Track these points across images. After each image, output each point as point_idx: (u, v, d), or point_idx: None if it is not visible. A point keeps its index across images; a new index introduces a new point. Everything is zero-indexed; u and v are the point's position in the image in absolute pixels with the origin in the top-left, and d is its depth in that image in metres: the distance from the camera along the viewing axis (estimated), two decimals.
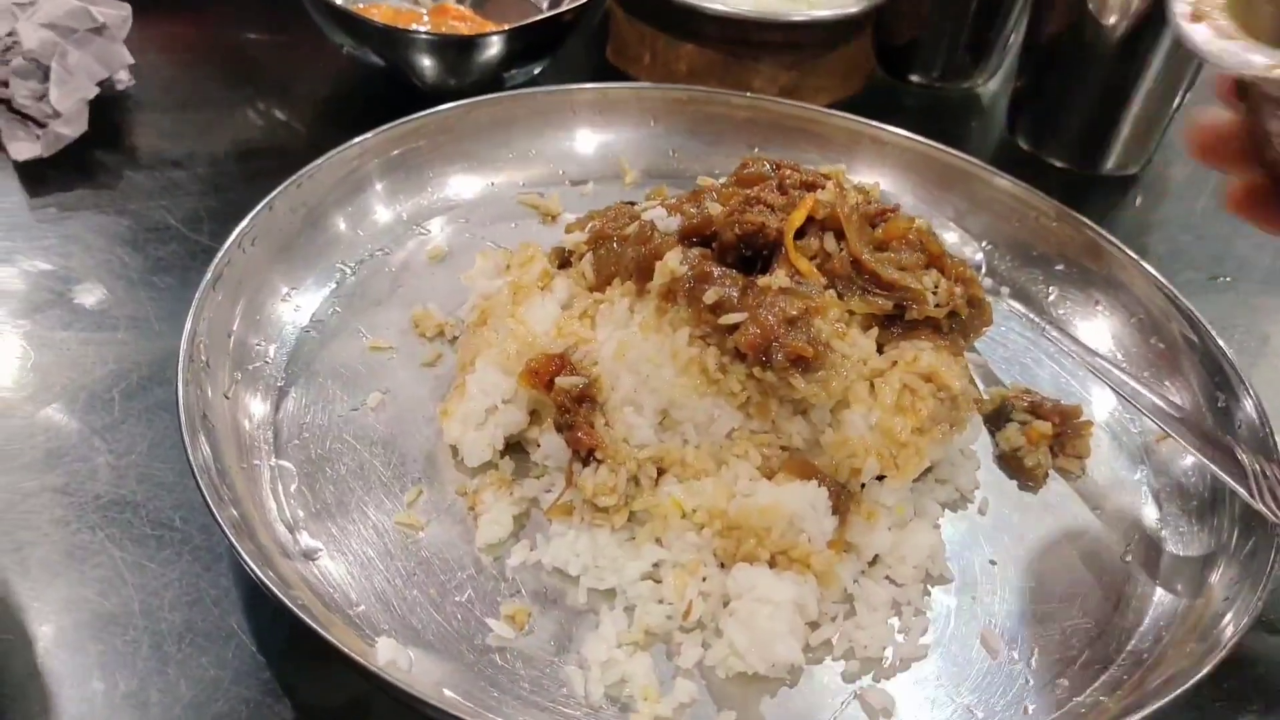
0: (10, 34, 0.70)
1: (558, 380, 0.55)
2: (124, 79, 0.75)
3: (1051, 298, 0.71)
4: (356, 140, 0.67)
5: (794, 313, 0.53)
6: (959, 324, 0.58)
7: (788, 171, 0.63)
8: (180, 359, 0.52)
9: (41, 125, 0.70)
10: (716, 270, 0.56)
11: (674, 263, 0.56)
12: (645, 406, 0.55)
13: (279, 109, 0.81)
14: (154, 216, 0.69)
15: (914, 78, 0.97)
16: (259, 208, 0.60)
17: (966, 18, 0.92)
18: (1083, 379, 0.66)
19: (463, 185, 0.72)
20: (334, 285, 0.64)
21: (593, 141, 0.77)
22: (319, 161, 0.65)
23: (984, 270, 0.70)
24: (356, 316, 0.63)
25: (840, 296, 0.55)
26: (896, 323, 0.57)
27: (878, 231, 0.58)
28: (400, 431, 0.57)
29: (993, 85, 0.99)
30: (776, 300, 0.54)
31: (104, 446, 0.55)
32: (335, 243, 0.65)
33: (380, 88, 0.81)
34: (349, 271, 0.65)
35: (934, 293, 0.56)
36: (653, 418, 0.55)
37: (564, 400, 0.55)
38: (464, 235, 0.70)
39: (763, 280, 0.55)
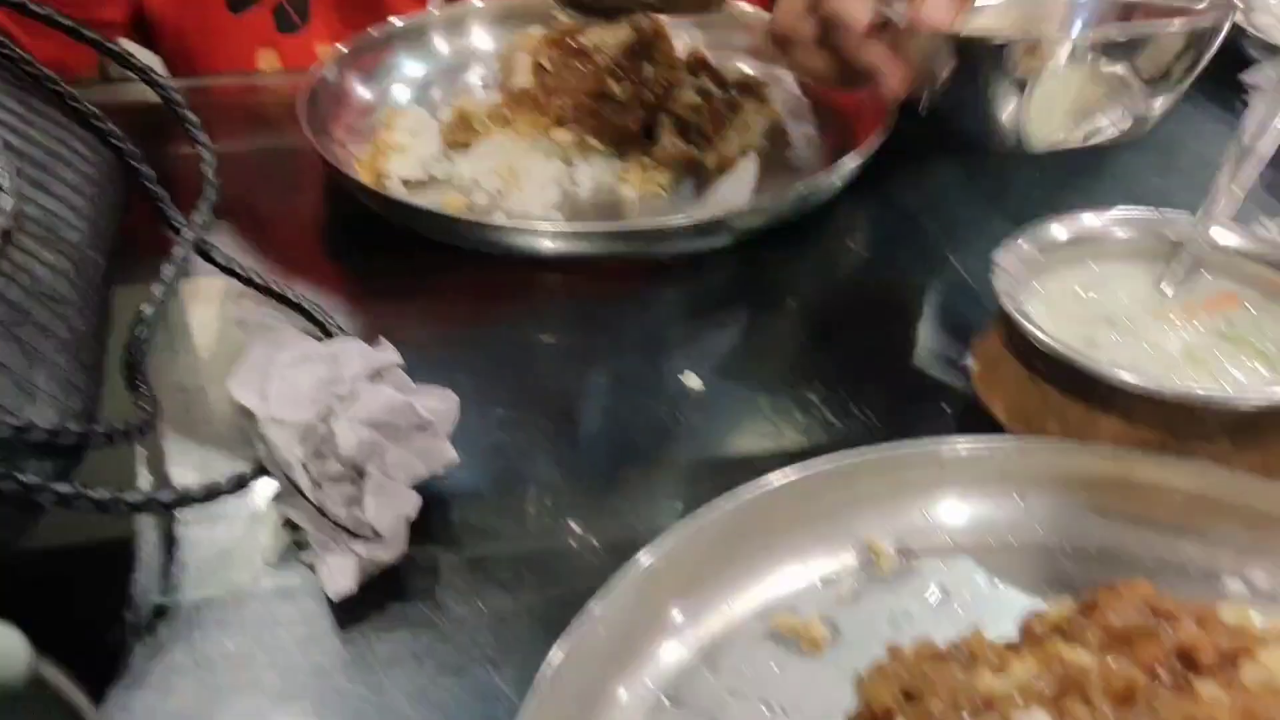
0: (317, 425, 0.62)
1: None
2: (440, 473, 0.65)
3: None
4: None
5: None
6: None
7: (1192, 632, 0.46)
8: None
9: (354, 535, 0.62)
10: None
11: None
12: None
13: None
14: (478, 676, 0.56)
15: None
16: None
17: None
18: None
19: (696, 625, 0.56)
20: None
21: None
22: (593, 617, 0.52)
23: None
24: None
25: None
26: None
27: None
28: None
29: None
30: None
31: None
32: None
33: None
34: None
35: None
36: None
37: None
38: (722, 700, 0.53)
39: None
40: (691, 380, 0.75)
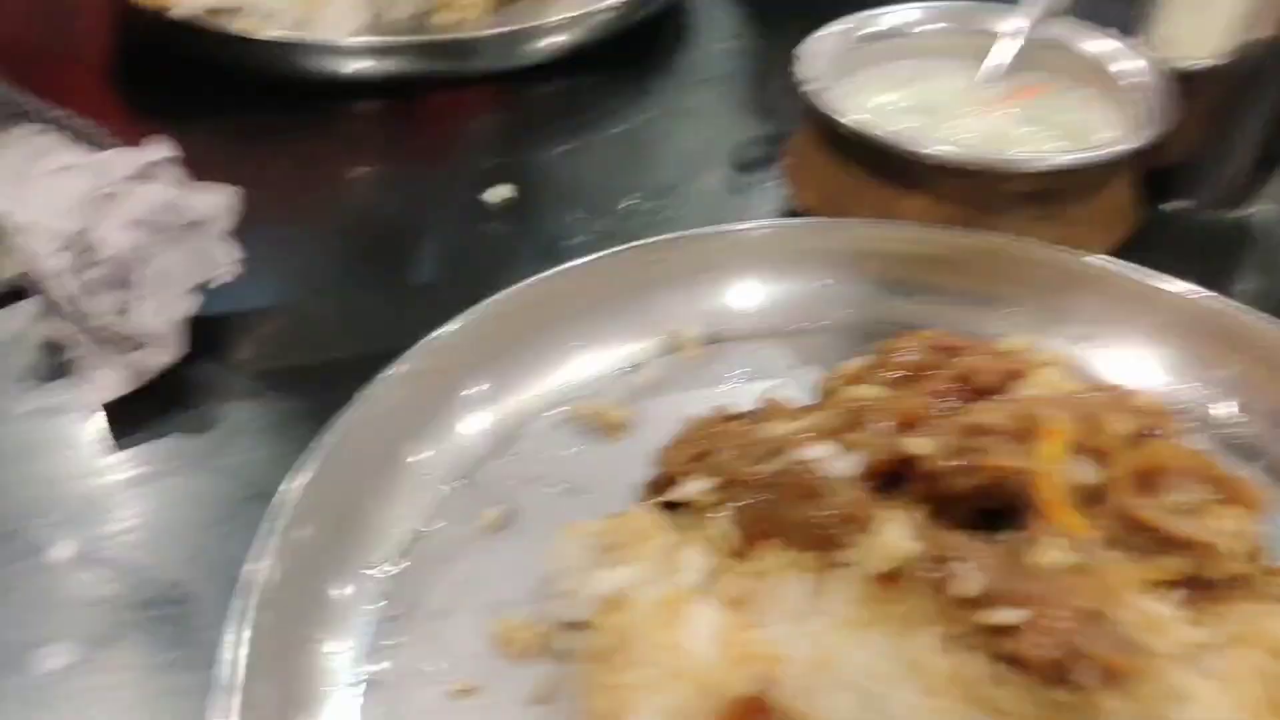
0: (81, 232, 0.57)
1: None
2: (225, 275, 0.61)
3: None
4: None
5: (1091, 605, 0.38)
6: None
7: (972, 359, 0.47)
8: None
9: (123, 342, 0.57)
10: (962, 543, 0.41)
11: (898, 539, 0.41)
12: None
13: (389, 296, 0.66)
14: (255, 477, 0.53)
15: (1172, 204, 0.78)
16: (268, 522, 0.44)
17: (1254, 134, 0.72)
18: None
19: (491, 409, 0.54)
20: (378, 607, 0.46)
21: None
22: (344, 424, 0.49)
23: None
24: (422, 647, 0.45)
25: None
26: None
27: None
28: None
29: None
30: (1062, 586, 0.39)
31: None
32: (368, 528, 0.48)
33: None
34: (390, 574, 0.47)
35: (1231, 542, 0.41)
36: None
37: None
38: (514, 483, 0.52)
39: (1036, 556, 0.40)
40: (503, 192, 0.72)
